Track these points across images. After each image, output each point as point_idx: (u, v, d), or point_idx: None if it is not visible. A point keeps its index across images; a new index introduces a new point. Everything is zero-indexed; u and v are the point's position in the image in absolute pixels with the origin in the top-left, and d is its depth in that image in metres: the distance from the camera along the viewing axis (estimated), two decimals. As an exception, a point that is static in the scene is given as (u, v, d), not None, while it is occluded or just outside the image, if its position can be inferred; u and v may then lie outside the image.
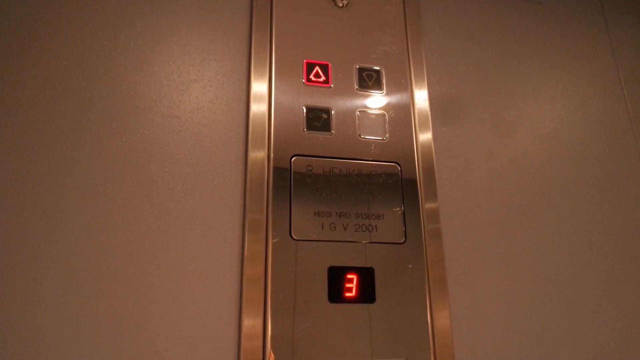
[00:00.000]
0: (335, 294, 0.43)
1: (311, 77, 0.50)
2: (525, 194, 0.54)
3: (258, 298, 0.41)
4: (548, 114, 0.59)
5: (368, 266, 0.44)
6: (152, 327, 0.40)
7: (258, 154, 0.46)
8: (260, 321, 0.41)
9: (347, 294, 0.43)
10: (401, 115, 0.51)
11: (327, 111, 0.49)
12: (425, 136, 0.51)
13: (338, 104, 0.49)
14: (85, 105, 0.44)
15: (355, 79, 0.51)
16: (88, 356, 0.38)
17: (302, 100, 0.48)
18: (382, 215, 0.46)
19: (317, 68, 0.50)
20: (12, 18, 0.45)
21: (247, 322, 0.41)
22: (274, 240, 0.43)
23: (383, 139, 0.49)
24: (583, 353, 0.49)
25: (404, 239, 0.46)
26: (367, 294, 0.43)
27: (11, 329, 0.37)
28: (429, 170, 0.50)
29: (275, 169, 0.45)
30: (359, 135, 0.49)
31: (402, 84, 0.52)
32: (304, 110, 0.48)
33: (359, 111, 0.50)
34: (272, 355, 0.40)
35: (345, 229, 0.45)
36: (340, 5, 0.53)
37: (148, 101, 0.46)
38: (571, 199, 0.56)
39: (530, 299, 0.50)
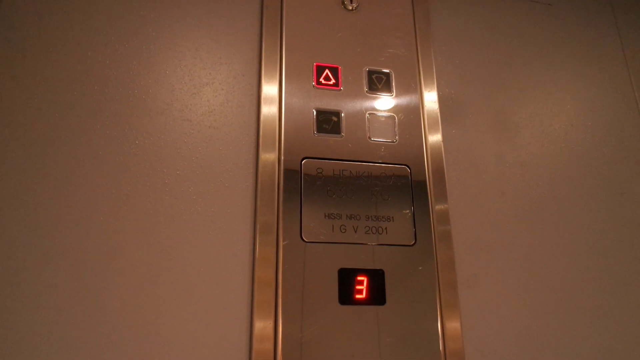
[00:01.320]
0: (346, 295, 0.43)
1: (321, 80, 0.50)
2: (535, 196, 0.54)
3: (269, 300, 0.42)
4: (558, 117, 0.59)
5: (378, 268, 0.44)
6: (163, 328, 0.40)
7: (269, 157, 0.46)
8: (271, 323, 0.41)
9: (358, 296, 0.43)
10: (411, 117, 0.51)
11: (337, 114, 0.49)
12: (434, 138, 0.52)
13: (348, 107, 0.49)
14: (98, 109, 0.45)
15: (364, 82, 0.51)
16: (100, 356, 0.38)
17: (312, 103, 0.49)
18: (392, 217, 0.46)
19: (327, 71, 0.50)
20: (29, 26, 0.46)
21: (258, 324, 0.41)
22: (284, 242, 0.43)
23: (393, 142, 0.49)
24: (593, 356, 0.49)
25: (414, 241, 0.46)
26: (377, 295, 0.43)
27: (25, 327, 0.38)
28: (439, 173, 0.50)
29: (286, 171, 0.46)
30: (369, 138, 0.49)
31: (412, 87, 0.53)
32: (314, 113, 0.48)
33: (369, 114, 0.50)
34: (283, 357, 0.40)
35: (355, 231, 0.45)
36: (350, 8, 0.54)
37: (160, 104, 0.46)
38: (581, 201, 0.55)
39: (540, 301, 0.50)
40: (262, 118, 0.48)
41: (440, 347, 0.43)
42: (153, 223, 0.42)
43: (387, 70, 0.52)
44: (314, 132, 0.48)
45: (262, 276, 0.42)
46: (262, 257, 0.43)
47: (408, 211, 0.47)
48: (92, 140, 0.44)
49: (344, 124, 0.49)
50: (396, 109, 0.51)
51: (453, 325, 0.45)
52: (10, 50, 0.45)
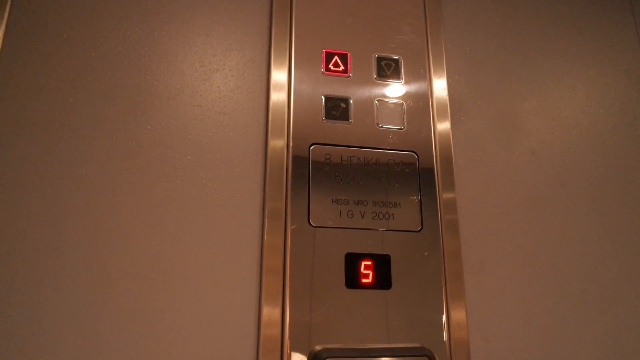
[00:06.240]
0: (352, 280, 0.43)
1: (330, 66, 0.50)
2: (544, 184, 0.54)
3: (277, 284, 0.43)
4: (569, 104, 0.59)
5: (384, 253, 0.45)
6: (171, 313, 0.41)
7: (278, 143, 0.47)
8: (279, 307, 0.42)
9: (364, 280, 0.44)
10: (419, 104, 0.51)
11: (345, 100, 0.49)
12: (443, 126, 0.52)
13: (356, 93, 0.50)
14: (110, 95, 0.46)
15: (374, 68, 0.51)
16: (107, 339, 0.39)
17: (321, 90, 0.49)
18: (399, 203, 0.47)
19: (336, 57, 0.50)
20: (41, 12, 0.47)
21: (266, 309, 0.42)
22: (292, 227, 0.44)
23: (401, 128, 0.50)
24: (597, 345, 0.49)
25: (420, 227, 0.47)
26: (383, 280, 0.44)
27: (31, 305, 0.39)
28: (447, 160, 0.50)
29: (295, 157, 0.46)
30: (377, 125, 0.49)
31: (421, 74, 0.53)
32: (323, 100, 0.49)
33: (378, 100, 0.50)
34: (290, 342, 0.41)
35: (362, 217, 0.46)
36: (360, -6, 0.54)
37: (171, 90, 0.47)
38: (591, 190, 0.55)
39: (546, 290, 0.50)
40: (271, 104, 0.48)
41: (445, 332, 0.44)
42: (163, 207, 0.43)
43: (397, 57, 0.52)
44: (322, 119, 0.48)
45: (270, 261, 0.43)
46: (270, 241, 0.44)
47: (415, 197, 0.47)
48: (105, 126, 0.45)
49: (352, 110, 0.49)
50: (405, 96, 0.51)
51: (458, 311, 0.45)
52: (24, 36, 0.45)
